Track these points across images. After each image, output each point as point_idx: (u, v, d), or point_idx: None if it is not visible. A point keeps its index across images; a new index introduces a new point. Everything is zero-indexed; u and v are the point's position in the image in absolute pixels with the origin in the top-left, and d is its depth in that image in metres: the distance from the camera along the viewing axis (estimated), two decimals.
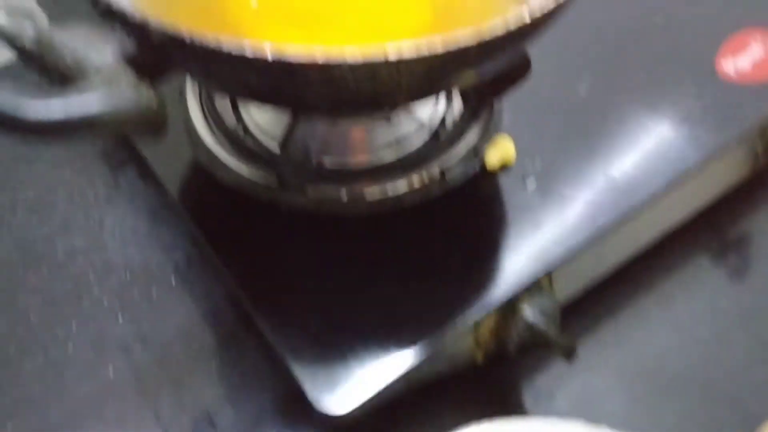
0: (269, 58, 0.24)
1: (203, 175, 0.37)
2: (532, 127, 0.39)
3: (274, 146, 0.37)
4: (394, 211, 0.36)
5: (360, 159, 0.37)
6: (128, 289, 0.38)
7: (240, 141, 0.37)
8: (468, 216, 0.37)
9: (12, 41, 0.24)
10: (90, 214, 0.41)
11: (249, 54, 0.24)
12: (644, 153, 0.38)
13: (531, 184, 0.37)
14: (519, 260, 0.34)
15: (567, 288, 0.36)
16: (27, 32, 0.24)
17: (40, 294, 0.38)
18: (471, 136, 0.38)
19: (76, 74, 0.24)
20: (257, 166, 0.35)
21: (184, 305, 0.38)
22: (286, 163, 0.35)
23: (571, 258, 0.34)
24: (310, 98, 0.28)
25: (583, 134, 0.39)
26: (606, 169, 0.37)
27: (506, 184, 0.38)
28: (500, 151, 0.37)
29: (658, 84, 0.41)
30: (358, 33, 0.33)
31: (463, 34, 0.25)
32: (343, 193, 0.35)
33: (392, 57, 0.25)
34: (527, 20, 0.26)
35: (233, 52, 0.24)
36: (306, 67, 0.25)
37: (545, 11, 0.27)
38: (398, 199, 0.36)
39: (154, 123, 0.24)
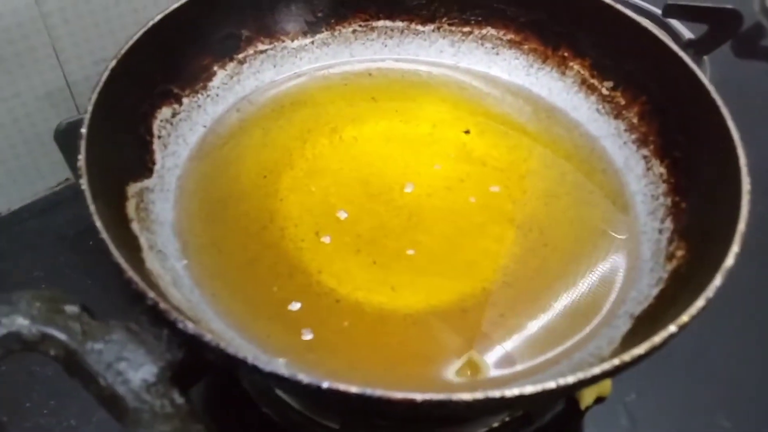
0: (353, 392, 0.19)
1: (242, 400, 0.31)
2: None
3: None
4: None
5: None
6: None
7: None
8: None
9: (35, 350, 0.20)
10: None
11: (325, 386, 0.19)
12: (761, 400, 0.32)
13: (624, 420, 0.32)
14: None
15: None
16: (55, 339, 0.20)
17: None
18: None
19: (111, 401, 0.19)
20: (316, 407, 0.30)
21: None
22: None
23: None
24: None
25: (685, 368, 0.33)
26: (713, 415, 0.32)
27: (595, 418, 0.32)
28: (596, 386, 0.32)
29: None
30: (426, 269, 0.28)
31: (570, 378, 0.20)
32: None
33: (509, 395, 0.20)
34: (657, 343, 0.21)
35: (311, 384, 0.19)
36: (398, 404, 0.20)
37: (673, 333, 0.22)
38: None
39: None
